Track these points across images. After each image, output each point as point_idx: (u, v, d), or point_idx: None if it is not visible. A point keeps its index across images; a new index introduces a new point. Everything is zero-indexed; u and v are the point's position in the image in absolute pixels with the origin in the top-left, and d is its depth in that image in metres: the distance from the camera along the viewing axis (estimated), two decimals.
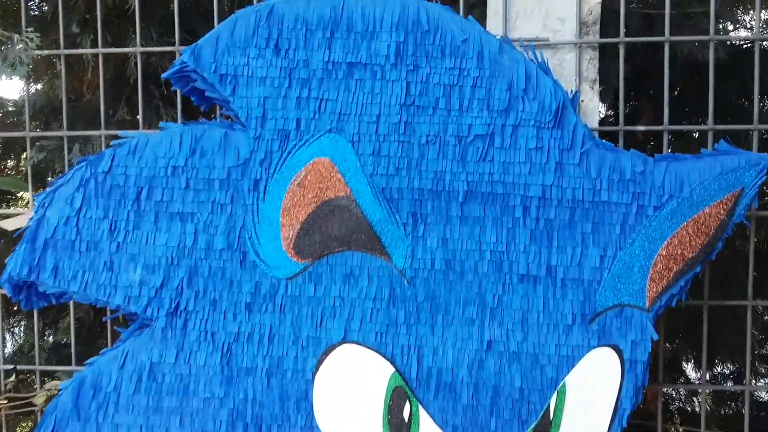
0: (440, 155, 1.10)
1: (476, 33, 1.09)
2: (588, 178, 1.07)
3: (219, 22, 1.34)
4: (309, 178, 1.11)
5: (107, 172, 1.15)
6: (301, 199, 1.12)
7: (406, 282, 1.11)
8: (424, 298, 1.11)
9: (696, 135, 2.10)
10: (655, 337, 1.07)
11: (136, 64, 1.44)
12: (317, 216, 1.11)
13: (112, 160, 1.15)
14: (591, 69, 1.36)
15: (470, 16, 1.12)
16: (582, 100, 1.34)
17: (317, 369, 1.11)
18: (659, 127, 1.33)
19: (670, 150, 1.63)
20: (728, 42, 2.03)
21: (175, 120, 1.44)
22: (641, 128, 1.61)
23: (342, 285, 1.12)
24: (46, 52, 1.45)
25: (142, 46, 1.43)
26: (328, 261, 1.12)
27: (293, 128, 1.12)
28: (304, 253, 1.12)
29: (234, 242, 1.13)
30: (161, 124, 1.17)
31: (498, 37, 1.12)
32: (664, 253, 1.06)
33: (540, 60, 1.11)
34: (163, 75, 1.16)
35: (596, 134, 1.31)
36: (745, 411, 1.36)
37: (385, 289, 1.11)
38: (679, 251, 1.06)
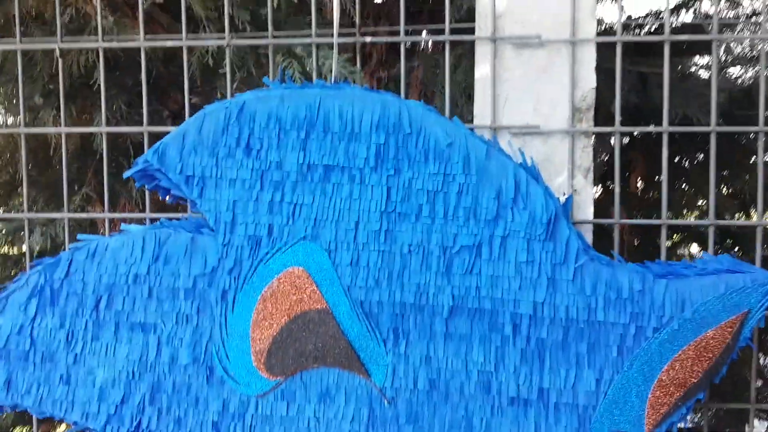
0: (423, 267, 1.02)
1: (462, 136, 1.01)
2: (582, 296, 1.00)
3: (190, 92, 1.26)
4: (282, 289, 1.03)
5: (64, 279, 1.06)
6: (274, 311, 1.03)
7: (386, 402, 1.03)
8: (406, 420, 1.02)
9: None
10: None
11: (101, 142, 1.36)
12: (291, 330, 1.03)
13: (69, 266, 1.06)
14: (585, 157, 1.27)
15: (455, 118, 1.04)
16: (575, 190, 1.26)
17: None
18: (660, 128, 1.22)
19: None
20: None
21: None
22: (638, 129, 1.51)
23: (317, 404, 1.04)
24: (5, 130, 1.37)
25: (108, 122, 1.34)
26: (302, 378, 1.04)
27: (265, 234, 1.04)
28: (276, 369, 1.04)
29: (200, 356, 1.05)
30: (122, 226, 1.08)
31: (485, 138, 1.04)
32: (664, 378, 0.98)
33: (530, 165, 1.03)
34: (125, 174, 1.08)
35: (591, 227, 1.25)
36: None
37: (363, 410, 1.03)
38: (681, 376, 0.98)
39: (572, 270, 1.00)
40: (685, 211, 2.40)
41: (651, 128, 1.29)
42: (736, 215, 2.32)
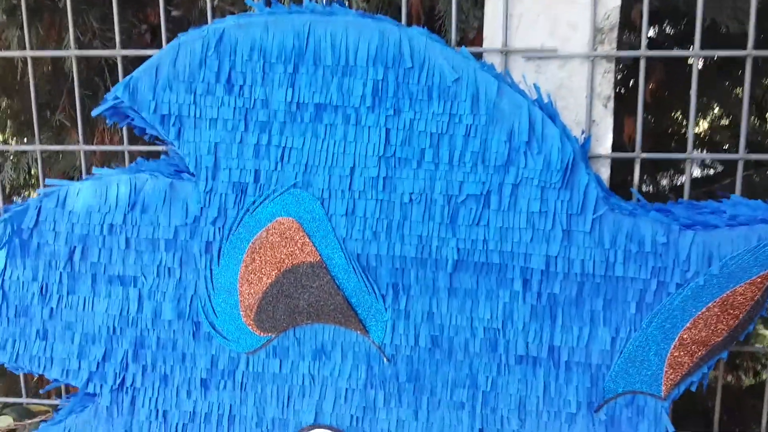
0: (426, 217, 0.92)
1: (471, 71, 0.89)
2: (600, 249, 0.91)
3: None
4: (271, 240, 0.94)
5: (33, 228, 0.97)
6: (263, 264, 0.95)
7: (385, 360, 0.96)
8: (406, 378, 0.96)
9: None
10: (671, 429, 0.94)
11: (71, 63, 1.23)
12: (282, 284, 0.95)
13: (38, 214, 0.97)
14: (605, 84, 1.15)
15: (464, 49, 0.91)
16: (593, 120, 1.15)
17: None
18: (690, 53, 1.09)
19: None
20: None
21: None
22: (669, 53, 1.39)
23: (312, 361, 0.97)
24: None
25: (79, 42, 1.21)
26: (296, 334, 0.97)
27: (251, 181, 0.94)
28: (267, 325, 0.96)
29: (185, 311, 0.97)
30: (94, 170, 0.98)
31: (495, 70, 0.92)
32: (685, 336, 0.91)
33: (547, 102, 0.92)
34: (93, 112, 0.96)
35: (608, 162, 1.14)
36: None
37: (361, 367, 0.96)
38: (704, 335, 0.91)
39: (590, 221, 0.90)
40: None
41: (683, 53, 1.17)
42: None
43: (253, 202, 0.94)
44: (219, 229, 0.95)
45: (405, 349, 0.96)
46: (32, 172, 1.41)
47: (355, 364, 0.96)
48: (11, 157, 1.39)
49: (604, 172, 1.16)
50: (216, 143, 0.93)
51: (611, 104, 1.17)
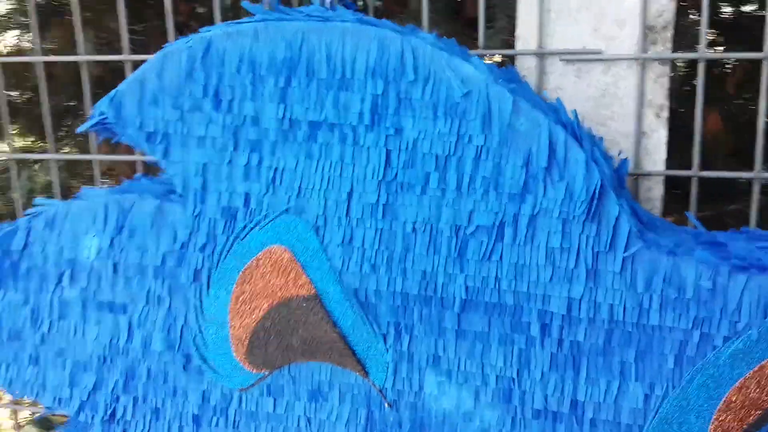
0: (431, 250, 0.82)
1: (482, 84, 0.77)
2: (633, 293, 0.78)
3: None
4: (262, 270, 0.86)
5: (23, 250, 0.93)
6: (254, 296, 0.87)
7: (387, 405, 0.86)
8: (410, 427, 0.86)
9: None
10: None
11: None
12: (274, 318, 0.87)
13: (27, 235, 0.92)
14: (658, 91, 1.01)
15: (475, 58, 0.79)
16: (644, 132, 1.01)
17: None
18: (760, 54, 0.93)
19: None
20: None
21: None
22: (733, 55, 1.20)
23: (308, 402, 0.89)
24: None
25: (96, 48, 1.16)
26: (290, 372, 0.88)
27: (241, 205, 0.85)
28: (259, 361, 0.88)
29: (176, 342, 0.90)
30: (82, 190, 0.92)
31: (508, 83, 0.79)
32: (734, 398, 0.77)
33: (569, 119, 0.79)
34: (78, 129, 0.90)
35: (661, 178, 1.00)
36: None
37: (361, 411, 0.87)
38: (756, 397, 0.77)
39: (620, 260, 0.77)
40: None
41: (749, 55, 1.00)
42: None
43: (243, 228, 0.86)
44: (208, 256, 0.87)
45: (409, 395, 0.86)
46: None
47: (354, 408, 0.87)
48: (34, 166, 1.36)
49: (657, 191, 1.02)
50: (204, 164, 0.85)
51: (665, 113, 1.02)
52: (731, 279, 0.76)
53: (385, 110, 0.80)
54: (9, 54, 1.54)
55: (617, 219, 0.77)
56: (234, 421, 0.91)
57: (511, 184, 0.78)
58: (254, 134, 0.84)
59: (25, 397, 0.98)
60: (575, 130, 0.78)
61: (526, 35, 1.02)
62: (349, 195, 0.82)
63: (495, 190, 0.79)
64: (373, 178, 0.81)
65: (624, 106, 1.01)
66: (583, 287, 0.78)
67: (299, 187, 0.84)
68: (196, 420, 0.92)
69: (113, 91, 0.87)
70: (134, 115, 0.86)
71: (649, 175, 1.00)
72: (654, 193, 1.03)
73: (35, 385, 0.95)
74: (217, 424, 0.91)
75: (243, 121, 0.84)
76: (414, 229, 0.82)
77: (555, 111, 0.79)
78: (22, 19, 1.25)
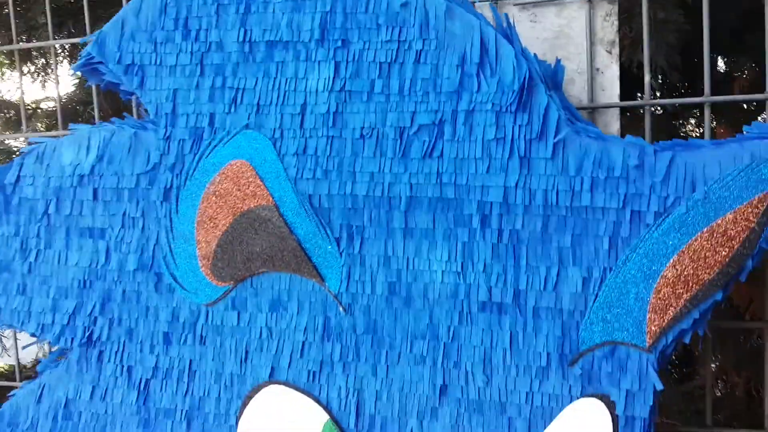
0: (377, 152, 0.87)
1: None
2: (565, 177, 0.81)
3: None
4: (224, 185, 0.92)
5: (15, 184, 1.01)
6: (218, 210, 0.93)
7: (342, 310, 0.90)
8: (364, 329, 0.89)
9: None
10: (659, 386, 0.80)
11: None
12: (236, 230, 0.92)
13: (19, 170, 1.01)
14: (608, 28, 1.07)
15: None
16: (597, 69, 1.06)
17: (241, 412, 0.93)
18: (700, 99, 1.02)
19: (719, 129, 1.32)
20: None
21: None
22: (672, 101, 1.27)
23: (269, 313, 0.92)
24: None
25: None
26: (253, 284, 0.93)
27: (206, 125, 0.93)
28: (224, 274, 0.93)
29: (148, 262, 0.96)
30: (70, 126, 1.01)
31: None
32: (670, 274, 0.78)
33: (499, 19, 0.85)
34: (72, 67, 1.00)
35: (616, 111, 1.04)
36: None
37: (318, 319, 0.91)
38: (692, 272, 0.78)
39: (551, 146, 0.81)
40: None
41: (688, 100, 1.06)
42: None
43: (209, 145, 0.93)
44: (176, 175, 0.94)
45: (362, 298, 0.89)
46: None
47: (312, 315, 0.91)
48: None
49: (614, 125, 1.06)
50: (175, 89, 0.94)
51: (616, 50, 1.08)
52: (657, 157, 0.79)
53: (333, 25, 0.88)
54: None
55: (546, 108, 0.82)
56: (201, 336, 0.95)
57: (449, 83, 0.84)
58: (218, 59, 0.92)
59: (12, 327, 1.04)
60: (505, 30, 0.84)
61: None
62: (303, 107, 0.89)
63: (434, 90, 0.85)
64: (324, 89, 0.88)
65: (578, 46, 1.07)
66: (518, 175, 0.82)
67: (258, 104, 0.91)
68: (166, 338, 0.96)
69: (98, 32, 0.97)
70: (114, 51, 0.95)
71: (606, 107, 1.05)
72: (611, 127, 1.07)
73: (22, 313, 1.01)
74: (185, 341, 0.95)
75: (209, 47, 0.92)
76: (362, 135, 0.87)
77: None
78: None
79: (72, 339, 0.99)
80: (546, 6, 1.07)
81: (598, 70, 1.07)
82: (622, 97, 1.06)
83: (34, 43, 1.50)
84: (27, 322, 1.01)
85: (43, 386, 1.01)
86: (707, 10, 0.99)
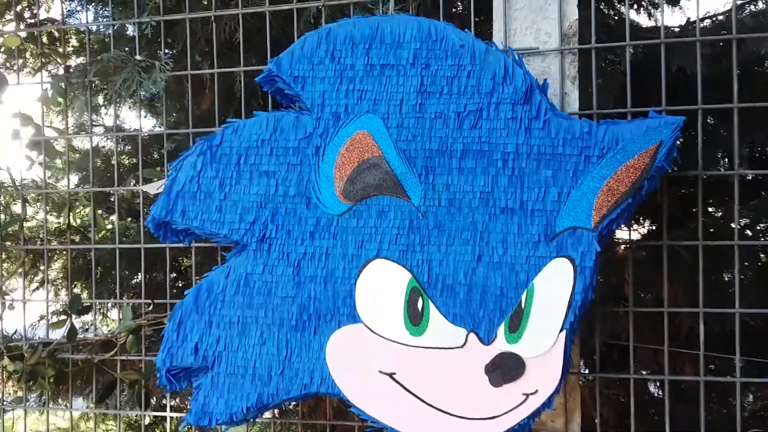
0: (444, 126, 1.56)
1: (470, 40, 1.56)
2: (549, 138, 1.50)
3: None
4: (353, 144, 1.60)
5: (218, 145, 1.67)
6: (348, 159, 1.60)
7: (420, 215, 1.56)
8: (433, 226, 1.55)
9: None
10: (598, 249, 1.47)
11: (240, 81, 2.00)
12: (358, 171, 1.59)
13: (221, 137, 1.68)
14: (572, 69, 1.79)
15: (466, 30, 1.58)
16: (565, 93, 1.77)
17: (358, 276, 1.58)
18: (625, 110, 1.73)
19: None
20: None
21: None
22: (617, 111, 1.99)
23: (376, 219, 1.58)
24: (176, 73, 2.04)
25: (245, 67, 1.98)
26: (367, 203, 1.59)
27: (343, 111, 1.61)
28: (349, 197, 1.59)
29: (302, 191, 1.62)
30: (254, 112, 1.69)
31: (485, 42, 1.58)
32: (604, 188, 1.47)
33: (514, 56, 1.56)
34: (256, 79, 1.69)
35: (576, 116, 1.74)
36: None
37: (406, 221, 1.57)
38: (615, 187, 1.46)
39: (542, 121, 1.51)
40: None
41: (617, 111, 1.79)
42: None
43: (343, 123, 1.61)
44: (323, 139, 1.61)
45: (432, 208, 1.55)
46: None
47: (402, 219, 1.57)
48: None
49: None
50: (324, 91, 1.62)
51: (577, 82, 1.79)
52: (598, 127, 1.49)
53: (421, 56, 1.58)
54: None
55: (539, 102, 1.51)
56: (333, 233, 1.60)
57: (486, 88, 1.54)
58: (351, 74, 1.61)
59: (210, 235, 1.68)
60: (517, 60, 1.55)
61: (496, 39, 1.82)
62: (401, 101, 1.58)
63: (477, 92, 1.54)
64: (413, 91, 1.57)
65: (554, 79, 1.78)
66: (524, 137, 1.51)
67: (374, 99, 1.59)
68: (311, 235, 1.61)
69: (276, 58, 1.66)
70: (287, 68, 1.64)
71: (570, 114, 1.75)
72: None
73: (217, 222, 1.66)
74: (323, 237, 1.61)
75: (345, 67, 1.61)
76: (435, 116, 1.56)
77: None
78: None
79: (251, 237, 1.64)
80: (534, 55, 1.79)
81: (566, 93, 1.78)
82: (581, 109, 1.77)
83: (228, 69, 2.20)
84: (221, 228, 1.66)
85: (230, 266, 1.65)
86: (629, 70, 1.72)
